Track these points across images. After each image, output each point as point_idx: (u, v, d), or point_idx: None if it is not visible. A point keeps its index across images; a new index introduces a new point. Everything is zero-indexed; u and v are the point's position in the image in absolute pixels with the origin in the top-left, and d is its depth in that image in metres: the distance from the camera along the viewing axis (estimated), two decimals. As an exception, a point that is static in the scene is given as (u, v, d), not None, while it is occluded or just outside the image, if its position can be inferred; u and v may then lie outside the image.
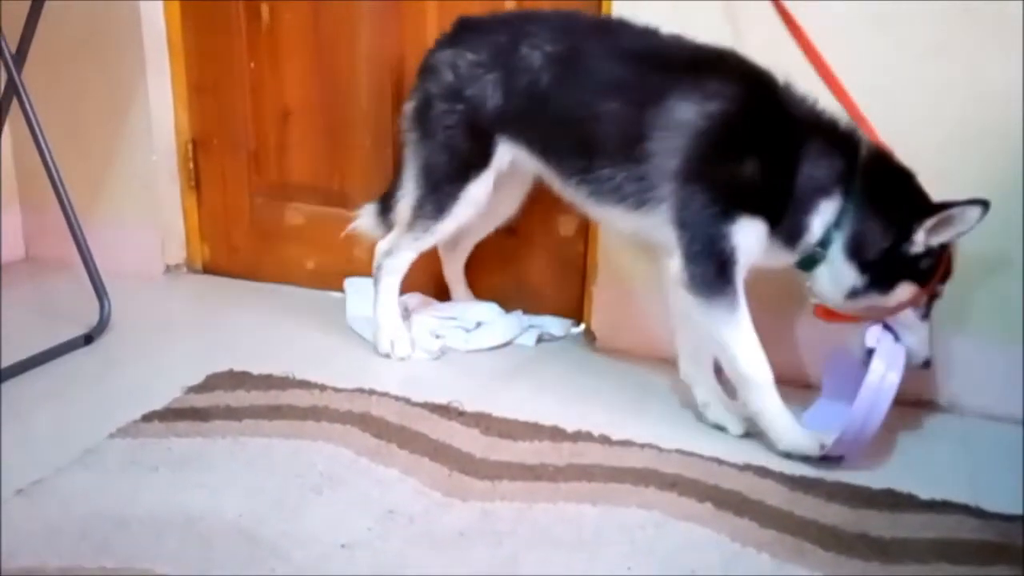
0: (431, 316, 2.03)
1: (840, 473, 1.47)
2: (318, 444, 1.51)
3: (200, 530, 1.28)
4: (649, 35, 1.63)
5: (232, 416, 1.60)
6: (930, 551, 1.29)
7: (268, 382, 1.74)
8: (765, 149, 1.50)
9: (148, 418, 1.59)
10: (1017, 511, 1.38)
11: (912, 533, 1.33)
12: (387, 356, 1.85)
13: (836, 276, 1.51)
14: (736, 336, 1.52)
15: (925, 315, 1.54)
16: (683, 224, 1.53)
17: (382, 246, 1.85)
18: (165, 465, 1.45)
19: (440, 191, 1.75)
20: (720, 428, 1.62)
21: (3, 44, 1.88)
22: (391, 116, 2.10)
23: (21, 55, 1.92)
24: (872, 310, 1.53)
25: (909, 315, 1.53)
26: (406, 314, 2.05)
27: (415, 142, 1.79)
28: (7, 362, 1.77)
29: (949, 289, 1.68)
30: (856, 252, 1.48)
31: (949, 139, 1.64)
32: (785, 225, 1.51)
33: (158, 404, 1.63)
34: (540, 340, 2.02)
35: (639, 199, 1.57)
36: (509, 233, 2.06)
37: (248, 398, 1.67)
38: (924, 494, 1.42)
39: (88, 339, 1.93)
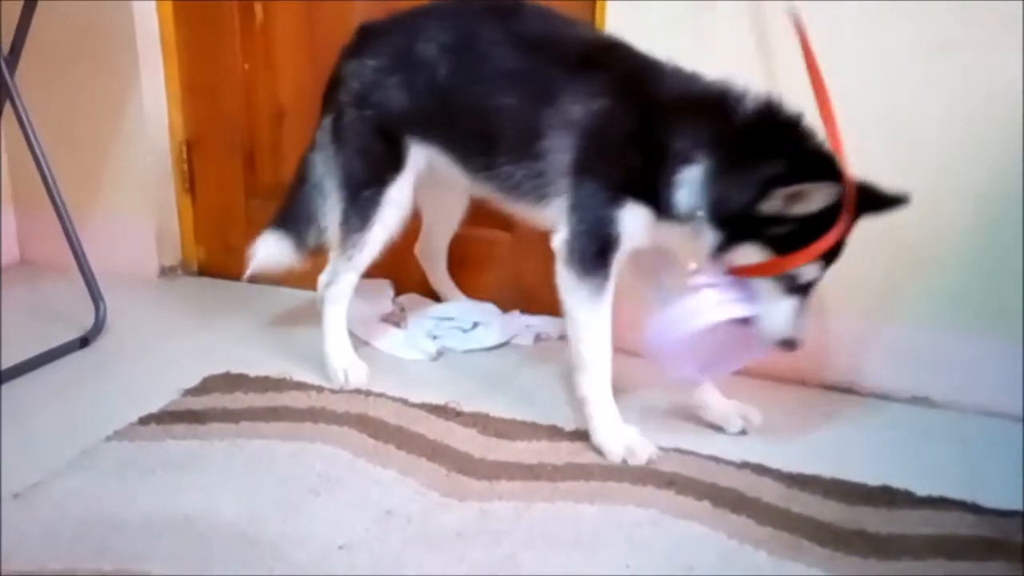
0: (428, 317, 2.03)
1: (837, 470, 1.47)
2: (316, 445, 1.51)
3: (198, 532, 1.28)
4: (540, 18, 1.64)
5: (229, 418, 1.60)
6: (927, 547, 1.29)
7: (265, 384, 1.73)
8: (641, 136, 1.49)
9: (145, 421, 1.59)
10: (1014, 507, 1.38)
11: (909, 529, 1.33)
12: (341, 389, 1.73)
13: (702, 236, 1.46)
14: (591, 321, 1.53)
15: (791, 290, 1.45)
16: (573, 208, 1.53)
17: (323, 278, 1.80)
18: (162, 467, 1.45)
19: (360, 198, 1.71)
20: (717, 427, 1.62)
21: (-4, 46, 1.88)
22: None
23: (14, 56, 1.92)
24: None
25: (766, 285, 1.46)
26: (402, 315, 2.05)
27: (333, 155, 1.75)
28: (3, 365, 1.76)
29: (947, 284, 1.69)
30: (715, 211, 1.44)
31: (950, 137, 1.64)
32: (663, 204, 1.48)
33: (155, 407, 1.63)
34: (538, 340, 2.02)
35: (539, 194, 1.58)
36: (505, 232, 2.06)
37: (245, 400, 1.67)
38: (921, 490, 1.43)
39: (84, 342, 1.92)
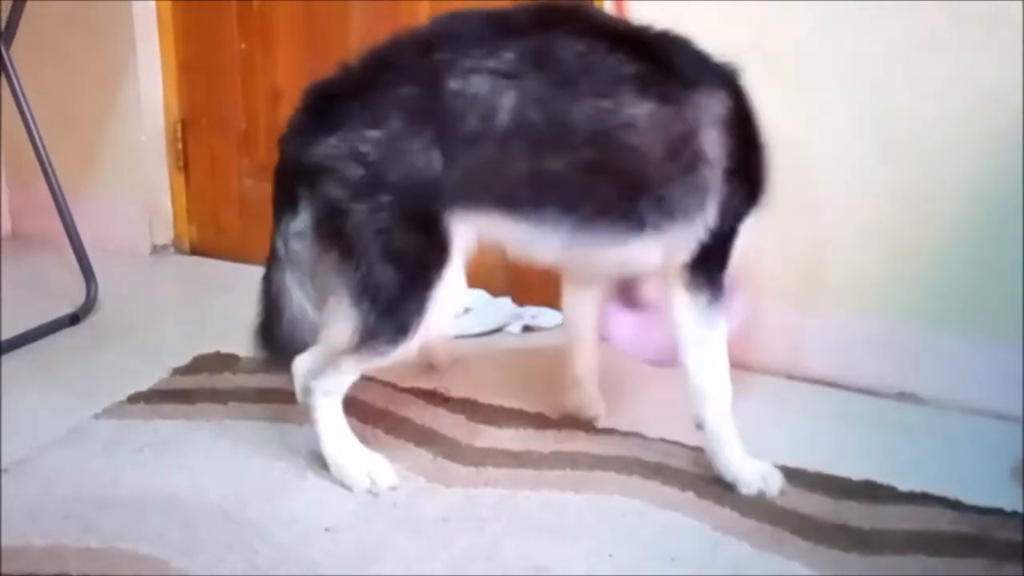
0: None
1: (820, 464, 1.48)
2: (303, 428, 1.51)
3: (184, 511, 1.29)
4: (598, 15, 1.53)
5: (218, 399, 1.60)
6: (908, 543, 1.30)
7: (254, 365, 1.72)
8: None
9: (134, 399, 1.59)
10: (995, 505, 1.39)
11: (891, 524, 1.34)
12: (372, 492, 1.37)
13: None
14: (722, 345, 1.43)
15: None
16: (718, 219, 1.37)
17: (303, 363, 1.41)
18: (150, 446, 1.45)
19: (398, 311, 1.32)
20: None
21: (-9, 20, 1.86)
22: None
23: (10, 31, 1.91)
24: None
25: None
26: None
27: (336, 263, 1.34)
28: (-7, 340, 1.76)
29: (936, 282, 1.70)
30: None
31: (939, 136, 1.64)
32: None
33: (144, 385, 1.64)
34: (527, 329, 2.02)
35: (691, 213, 1.35)
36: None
37: (234, 381, 1.67)
38: (903, 486, 1.43)
39: (74, 319, 1.92)
